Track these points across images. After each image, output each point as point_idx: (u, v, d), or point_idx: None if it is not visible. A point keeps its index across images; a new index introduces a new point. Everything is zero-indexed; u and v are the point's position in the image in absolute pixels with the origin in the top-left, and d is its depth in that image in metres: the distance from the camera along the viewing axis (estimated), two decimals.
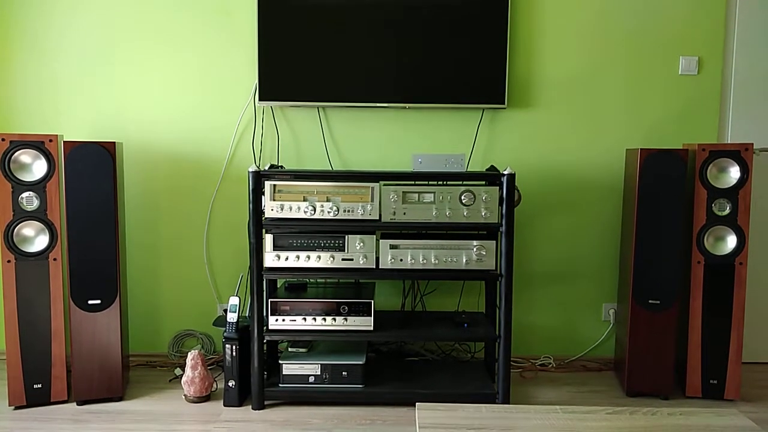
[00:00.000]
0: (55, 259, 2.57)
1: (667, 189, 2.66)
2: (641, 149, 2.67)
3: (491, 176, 2.60)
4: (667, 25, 3.03)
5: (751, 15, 3.04)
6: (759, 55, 3.06)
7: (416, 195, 2.57)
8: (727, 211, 2.67)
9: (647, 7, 3.03)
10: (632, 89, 3.06)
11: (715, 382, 2.73)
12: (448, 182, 2.72)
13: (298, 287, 2.82)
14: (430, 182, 2.71)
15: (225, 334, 2.63)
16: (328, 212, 2.56)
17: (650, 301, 2.71)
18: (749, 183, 2.64)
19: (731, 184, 2.66)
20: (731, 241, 2.68)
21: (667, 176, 2.66)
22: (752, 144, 2.65)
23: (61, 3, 3.01)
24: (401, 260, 2.59)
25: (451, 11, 2.92)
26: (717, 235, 2.70)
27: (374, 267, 2.60)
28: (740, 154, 2.64)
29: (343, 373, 2.64)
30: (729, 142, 3.09)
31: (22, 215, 2.53)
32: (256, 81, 2.98)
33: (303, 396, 2.62)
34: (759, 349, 3.20)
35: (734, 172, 2.66)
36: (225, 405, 2.63)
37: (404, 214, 2.57)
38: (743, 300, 2.68)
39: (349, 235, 2.59)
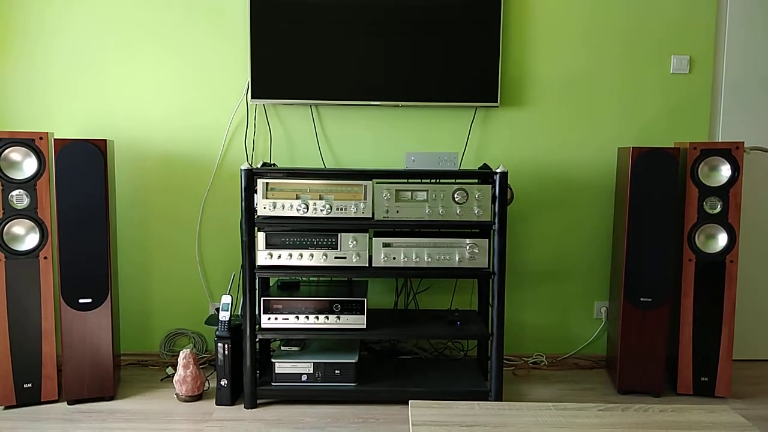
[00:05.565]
0: (45, 258, 2.56)
1: (659, 187, 2.67)
2: (633, 148, 2.68)
3: (484, 174, 2.60)
4: (659, 24, 3.04)
5: (742, 13, 3.05)
6: (750, 54, 3.07)
7: (409, 193, 2.57)
8: (718, 209, 2.68)
9: (639, 7, 3.04)
10: (624, 88, 3.07)
11: (706, 379, 2.75)
12: (441, 180, 2.73)
13: (290, 286, 2.82)
14: (423, 180, 2.71)
15: (217, 332, 2.62)
16: (321, 210, 2.56)
17: (642, 299, 2.72)
18: (740, 181, 2.66)
19: (722, 183, 2.67)
20: (722, 239, 2.70)
21: (658, 175, 2.67)
22: (743, 142, 2.66)
23: (53, 1, 2.99)
24: (394, 258, 2.59)
25: (444, 10, 2.92)
26: (708, 233, 2.71)
27: (367, 265, 2.60)
28: (731, 153, 2.66)
29: (336, 371, 2.64)
30: (720, 140, 3.10)
31: (12, 213, 2.51)
32: (249, 79, 2.97)
33: (296, 395, 2.62)
34: (750, 347, 3.22)
35: (725, 171, 2.67)
36: (217, 404, 2.63)
37: (397, 212, 2.57)
38: (734, 298, 2.70)
39: (342, 233, 2.59)
